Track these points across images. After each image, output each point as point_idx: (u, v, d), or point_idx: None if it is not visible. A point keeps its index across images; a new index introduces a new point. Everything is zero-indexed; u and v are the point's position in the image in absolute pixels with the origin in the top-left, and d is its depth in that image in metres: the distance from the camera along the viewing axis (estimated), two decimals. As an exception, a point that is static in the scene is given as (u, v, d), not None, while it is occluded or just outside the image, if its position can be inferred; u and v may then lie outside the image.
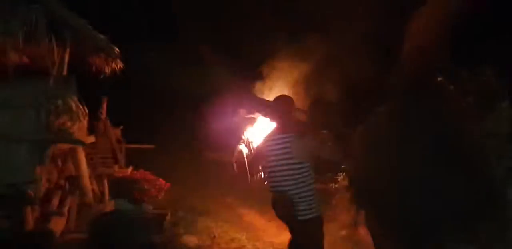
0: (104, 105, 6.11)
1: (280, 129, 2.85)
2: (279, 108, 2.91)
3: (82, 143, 4.24)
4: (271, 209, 2.91)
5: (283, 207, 2.67)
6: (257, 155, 3.21)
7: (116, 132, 6.06)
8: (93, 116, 5.66)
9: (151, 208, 4.89)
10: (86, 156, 5.25)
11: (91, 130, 5.65)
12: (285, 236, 3.11)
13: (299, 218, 2.63)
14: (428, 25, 2.01)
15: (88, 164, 4.86)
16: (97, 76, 4.43)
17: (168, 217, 4.70)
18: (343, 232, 4.08)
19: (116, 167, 5.59)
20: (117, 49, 4.27)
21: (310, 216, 2.65)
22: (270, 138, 2.88)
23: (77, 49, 4.09)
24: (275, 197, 2.77)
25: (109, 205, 4.48)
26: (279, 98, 3.00)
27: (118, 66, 4.40)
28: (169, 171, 6.58)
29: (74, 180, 4.25)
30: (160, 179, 5.43)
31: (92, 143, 5.64)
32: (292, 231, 2.83)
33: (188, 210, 5.27)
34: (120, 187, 4.78)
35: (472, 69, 3.06)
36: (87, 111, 4.44)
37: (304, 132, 2.73)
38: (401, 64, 2.09)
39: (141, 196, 4.82)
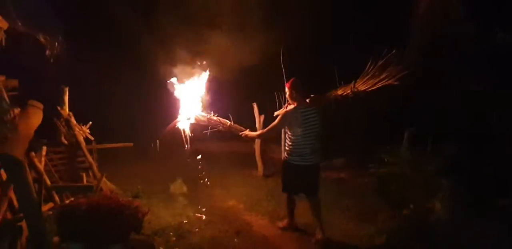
0: (65, 98, 4.91)
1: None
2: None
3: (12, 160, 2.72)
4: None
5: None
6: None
7: (83, 130, 4.90)
8: (51, 112, 4.52)
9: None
10: (47, 165, 4.13)
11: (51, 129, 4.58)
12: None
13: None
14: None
15: (50, 175, 3.77)
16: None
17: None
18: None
19: (85, 179, 4.48)
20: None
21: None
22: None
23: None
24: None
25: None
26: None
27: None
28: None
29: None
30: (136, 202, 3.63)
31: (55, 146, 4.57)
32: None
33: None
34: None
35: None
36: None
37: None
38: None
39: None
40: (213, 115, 4.16)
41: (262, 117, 5.88)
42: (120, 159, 6.83)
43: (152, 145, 4.60)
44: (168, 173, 6.13)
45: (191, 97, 4.30)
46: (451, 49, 5.37)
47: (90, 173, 4.71)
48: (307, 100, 3.71)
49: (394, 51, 3.98)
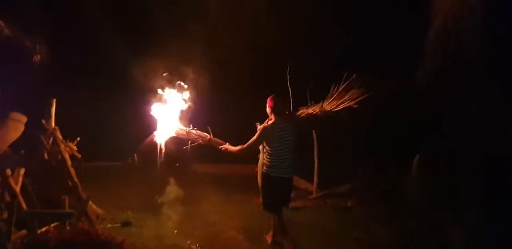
0: (52, 110, 4.47)
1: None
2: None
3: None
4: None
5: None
6: None
7: (70, 147, 4.41)
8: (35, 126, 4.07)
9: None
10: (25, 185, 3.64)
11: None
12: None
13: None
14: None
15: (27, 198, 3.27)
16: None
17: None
18: None
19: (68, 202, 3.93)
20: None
21: None
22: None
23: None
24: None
25: None
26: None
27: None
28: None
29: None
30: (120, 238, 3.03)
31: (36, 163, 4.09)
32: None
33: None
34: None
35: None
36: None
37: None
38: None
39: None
40: (192, 129, 4.22)
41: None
42: (109, 178, 6.34)
43: (130, 160, 4.52)
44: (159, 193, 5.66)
45: (170, 111, 4.35)
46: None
47: (74, 195, 4.19)
48: (285, 116, 3.90)
49: (354, 75, 4.25)
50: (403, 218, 4.71)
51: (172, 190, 5.90)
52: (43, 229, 3.30)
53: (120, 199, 5.46)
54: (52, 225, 3.39)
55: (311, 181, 5.84)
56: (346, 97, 4.33)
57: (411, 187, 5.30)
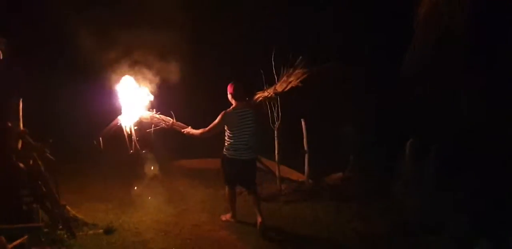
0: (19, 109, 4.07)
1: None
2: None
3: None
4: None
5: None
6: None
7: (40, 150, 4.05)
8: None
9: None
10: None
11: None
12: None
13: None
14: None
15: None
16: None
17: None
18: None
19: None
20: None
21: None
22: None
23: None
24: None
25: None
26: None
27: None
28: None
29: None
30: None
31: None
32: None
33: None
34: None
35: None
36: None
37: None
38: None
39: None
40: (156, 113, 4.33)
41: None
42: (87, 179, 6.03)
43: (95, 142, 4.29)
44: (144, 193, 5.38)
45: (134, 96, 4.39)
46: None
47: (48, 203, 3.87)
48: (245, 102, 4.13)
49: (300, 57, 4.51)
50: (401, 208, 4.61)
51: (151, 184, 5.68)
52: (15, 243, 3.00)
53: (97, 199, 5.16)
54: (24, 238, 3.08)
55: (302, 172, 5.66)
56: (292, 77, 4.50)
57: (406, 171, 5.21)
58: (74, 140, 6.15)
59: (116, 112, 4.42)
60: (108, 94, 4.52)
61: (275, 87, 4.56)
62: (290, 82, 4.76)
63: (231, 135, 4.01)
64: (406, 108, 5.83)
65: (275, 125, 5.24)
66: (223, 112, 3.98)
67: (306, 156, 5.40)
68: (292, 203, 4.96)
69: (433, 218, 4.08)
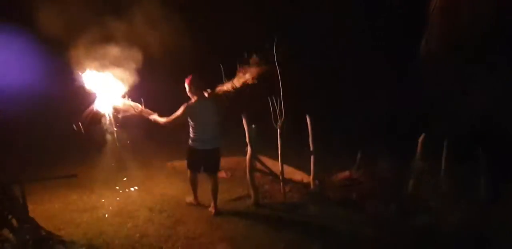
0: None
1: None
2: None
3: None
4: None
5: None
6: None
7: None
8: None
9: None
10: None
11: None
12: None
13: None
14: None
15: None
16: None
17: None
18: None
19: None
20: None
21: None
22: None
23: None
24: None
25: None
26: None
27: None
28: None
29: None
30: None
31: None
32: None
33: None
34: None
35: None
36: None
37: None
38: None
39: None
40: (126, 99, 4.44)
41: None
42: (60, 183, 5.32)
43: (75, 126, 4.23)
44: (130, 199, 4.76)
45: (105, 83, 4.39)
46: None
47: (14, 220, 3.22)
48: (206, 94, 4.25)
49: (254, 55, 4.53)
50: (415, 210, 4.17)
51: (139, 188, 5.16)
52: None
53: (73, 208, 4.54)
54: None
55: (304, 170, 5.15)
56: (247, 74, 4.58)
57: (417, 168, 4.79)
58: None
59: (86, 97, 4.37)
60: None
61: (233, 82, 4.60)
62: (246, 79, 4.76)
63: (194, 127, 4.18)
64: (416, 103, 5.58)
65: (277, 123, 4.68)
66: (185, 104, 4.13)
67: (312, 156, 4.86)
68: (299, 209, 4.43)
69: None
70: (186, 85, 4.17)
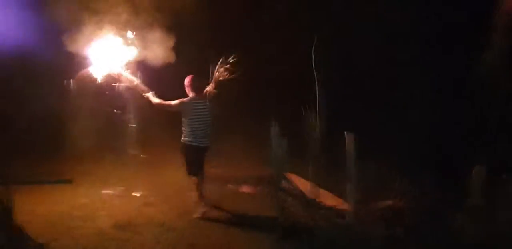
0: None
1: None
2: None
3: None
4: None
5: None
6: None
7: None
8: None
9: None
10: None
11: None
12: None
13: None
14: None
15: None
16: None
17: None
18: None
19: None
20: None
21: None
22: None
23: None
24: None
25: None
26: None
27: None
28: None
29: None
30: None
31: None
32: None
33: None
34: None
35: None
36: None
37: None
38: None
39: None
40: (125, 71, 4.57)
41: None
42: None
43: (65, 82, 4.48)
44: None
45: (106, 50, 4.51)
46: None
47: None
48: (202, 94, 4.40)
49: (223, 57, 4.51)
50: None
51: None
52: None
53: (67, 210, 4.16)
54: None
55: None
56: (219, 73, 4.58)
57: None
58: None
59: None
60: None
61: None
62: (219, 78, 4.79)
63: (188, 123, 4.35)
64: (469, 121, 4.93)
65: (313, 135, 4.06)
66: (181, 99, 4.34)
67: (349, 181, 4.16)
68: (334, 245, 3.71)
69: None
70: (186, 82, 4.42)
